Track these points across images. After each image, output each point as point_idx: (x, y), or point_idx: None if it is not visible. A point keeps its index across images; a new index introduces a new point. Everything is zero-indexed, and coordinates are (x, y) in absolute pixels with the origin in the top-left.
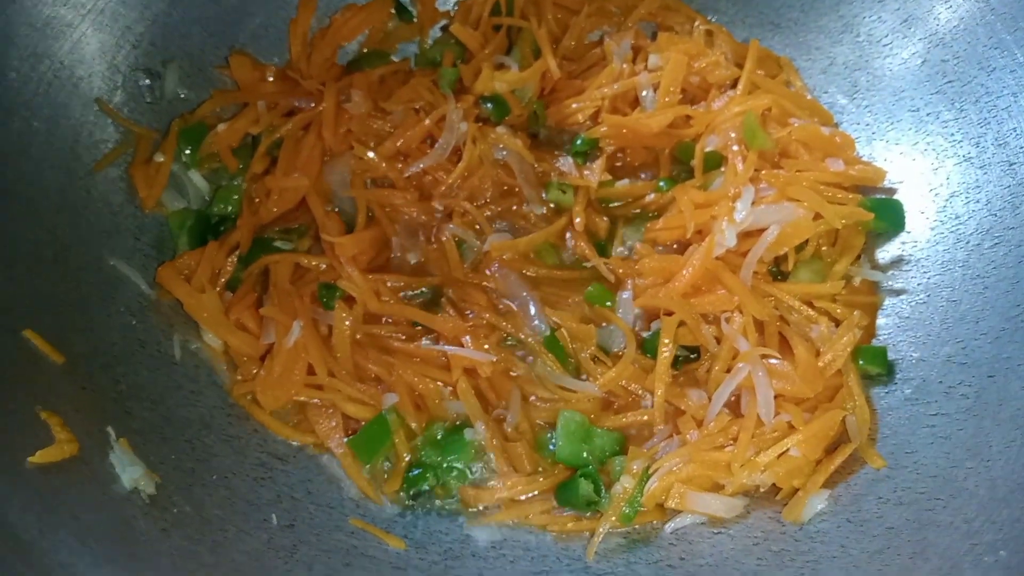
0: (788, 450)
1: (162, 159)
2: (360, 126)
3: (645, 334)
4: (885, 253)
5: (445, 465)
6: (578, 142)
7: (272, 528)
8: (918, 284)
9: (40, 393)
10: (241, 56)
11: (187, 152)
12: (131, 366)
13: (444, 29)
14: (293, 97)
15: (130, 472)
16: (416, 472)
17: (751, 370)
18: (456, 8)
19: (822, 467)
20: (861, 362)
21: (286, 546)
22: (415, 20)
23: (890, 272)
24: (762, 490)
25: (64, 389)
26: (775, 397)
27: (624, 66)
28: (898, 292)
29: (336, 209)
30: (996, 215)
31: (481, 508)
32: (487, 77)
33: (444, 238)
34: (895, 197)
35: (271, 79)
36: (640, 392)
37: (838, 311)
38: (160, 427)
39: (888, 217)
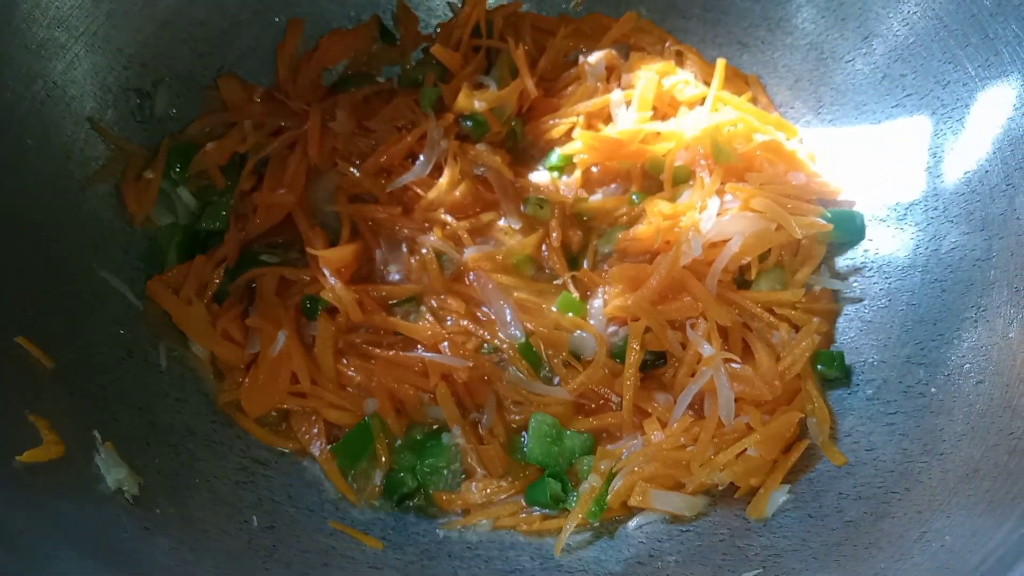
0: (746, 450)
1: (151, 176)
2: (344, 144)
3: (615, 339)
4: (850, 260)
5: (423, 468)
6: (554, 157)
7: (253, 529)
8: (880, 289)
9: (30, 397)
10: (229, 78)
11: (177, 169)
12: (118, 373)
13: (426, 51)
14: (280, 117)
15: (114, 473)
16: (397, 476)
17: (713, 374)
18: (437, 31)
19: (780, 464)
20: (820, 366)
21: (266, 546)
22: (398, 43)
23: (851, 279)
24: (720, 488)
25: (53, 393)
26: (736, 400)
27: (598, 85)
28: (861, 298)
29: (321, 224)
30: (952, 221)
31: (455, 511)
32: (467, 96)
33: (424, 251)
34: (855, 208)
35: (258, 100)
36: (610, 395)
37: (798, 317)
38: (145, 432)
39: (847, 227)
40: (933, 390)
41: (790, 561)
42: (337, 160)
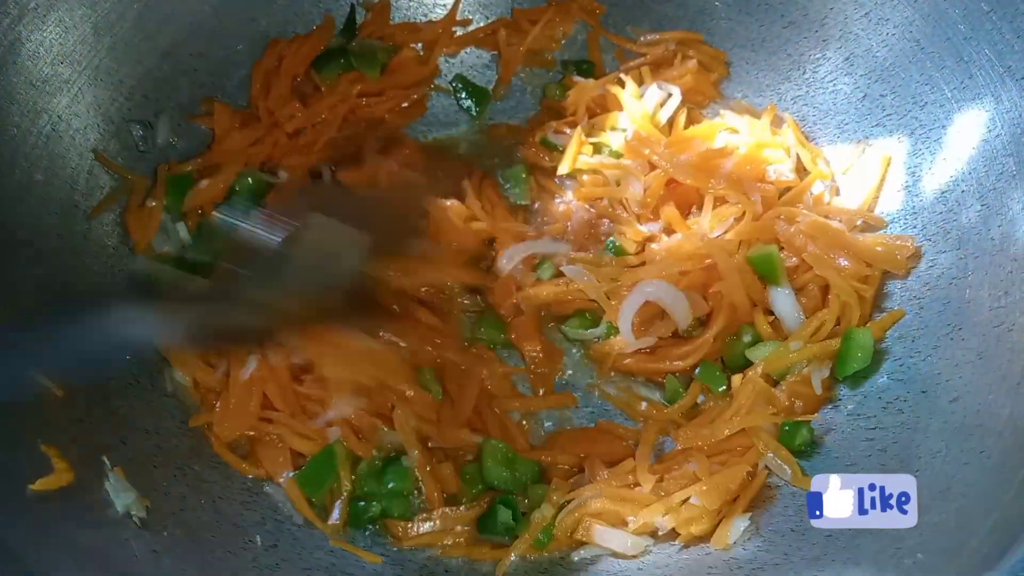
0: (689, 498)
1: (154, 204)
2: None
3: None
4: None
5: (386, 493)
6: None
7: (257, 548)
8: None
9: (41, 426)
10: (219, 105)
11: (171, 199)
12: (125, 399)
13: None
14: (256, 134)
15: (123, 498)
16: (359, 504)
17: None
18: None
19: (742, 497)
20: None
21: (270, 564)
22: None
23: None
24: (661, 533)
25: (63, 421)
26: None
27: None
28: None
29: None
30: (931, 240)
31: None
32: None
33: None
34: None
35: (238, 125)
36: None
37: None
38: (152, 456)
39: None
40: (911, 406)
41: (773, 574)
42: None
